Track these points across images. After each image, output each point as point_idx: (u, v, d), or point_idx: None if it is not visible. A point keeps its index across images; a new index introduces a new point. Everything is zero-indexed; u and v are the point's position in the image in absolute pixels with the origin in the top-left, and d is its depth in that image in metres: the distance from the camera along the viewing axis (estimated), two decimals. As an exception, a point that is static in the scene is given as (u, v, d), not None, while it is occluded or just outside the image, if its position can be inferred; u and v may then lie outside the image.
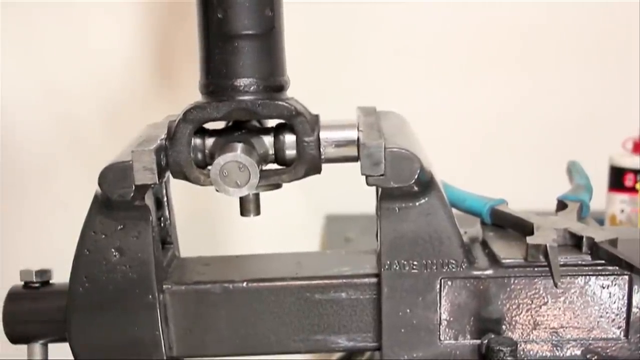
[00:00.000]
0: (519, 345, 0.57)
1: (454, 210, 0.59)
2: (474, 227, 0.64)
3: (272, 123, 0.60)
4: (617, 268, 0.56)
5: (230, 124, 0.59)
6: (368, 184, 0.56)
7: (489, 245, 0.60)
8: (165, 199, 0.64)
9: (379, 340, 0.59)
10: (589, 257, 0.57)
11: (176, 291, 0.59)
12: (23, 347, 0.62)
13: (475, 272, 0.57)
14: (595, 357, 0.59)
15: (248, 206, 0.60)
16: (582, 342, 0.59)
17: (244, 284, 0.59)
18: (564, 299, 0.58)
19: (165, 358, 0.59)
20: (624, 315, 0.58)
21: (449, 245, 0.57)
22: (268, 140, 0.58)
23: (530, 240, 0.57)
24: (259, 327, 0.60)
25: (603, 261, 0.56)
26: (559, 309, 0.58)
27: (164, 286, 0.59)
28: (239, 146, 0.55)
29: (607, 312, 0.58)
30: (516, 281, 0.58)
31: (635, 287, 0.58)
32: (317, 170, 0.57)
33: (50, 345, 0.62)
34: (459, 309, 0.58)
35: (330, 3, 1.27)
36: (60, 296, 0.58)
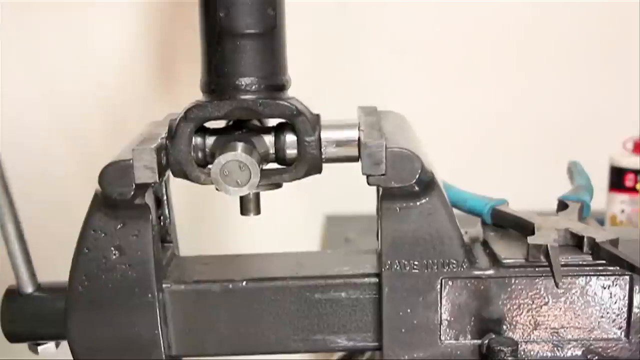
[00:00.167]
0: (519, 346, 0.57)
1: (454, 210, 0.59)
2: (474, 227, 0.64)
3: (272, 122, 0.60)
4: (618, 268, 0.56)
5: (231, 123, 0.59)
6: (369, 183, 0.56)
7: (489, 245, 0.60)
8: (165, 197, 0.64)
9: (379, 340, 0.59)
10: (590, 258, 0.57)
11: (175, 290, 0.59)
12: (24, 347, 0.62)
13: (476, 272, 0.57)
14: (596, 357, 0.58)
15: (248, 205, 0.60)
16: (582, 342, 0.59)
17: (244, 283, 0.59)
18: (565, 299, 0.58)
19: (164, 357, 0.58)
20: (625, 316, 0.58)
21: (450, 245, 0.57)
22: (269, 139, 0.58)
23: (531, 240, 0.57)
24: (259, 327, 0.60)
25: (604, 261, 0.56)
26: (560, 309, 0.58)
27: (164, 285, 0.59)
28: (240, 145, 0.55)
29: (608, 313, 0.58)
30: (517, 281, 0.58)
31: (636, 288, 0.58)
32: (318, 170, 0.57)
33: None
34: (460, 309, 0.58)
35: (330, 3, 1.27)
36: (60, 295, 0.58)
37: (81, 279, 0.57)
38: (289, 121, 0.57)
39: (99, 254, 0.57)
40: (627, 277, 0.57)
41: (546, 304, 0.58)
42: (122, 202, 0.55)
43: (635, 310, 0.58)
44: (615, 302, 0.58)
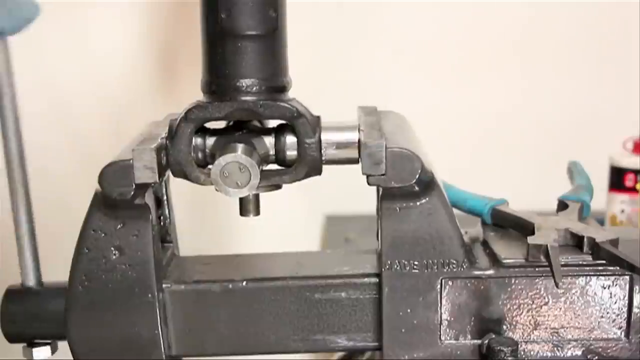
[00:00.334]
0: (519, 346, 0.57)
1: (454, 210, 0.59)
2: (474, 227, 0.64)
3: (273, 123, 0.60)
4: (618, 268, 0.56)
5: (231, 123, 0.59)
6: (369, 183, 0.56)
7: (489, 245, 0.60)
8: (165, 197, 0.64)
9: (379, 340, 0.59)
10: (590, 258, 0.57)
11: (175, 290, 0.59)
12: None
13: (476, 272, 0.57)
14: (596, 357, 0.58)
15: (248, 206, 0.60)
16: (582, 342, 0.59)
17: (244, 283, 0.59)
18: (565, 299, 0.58)
19: (164, 357, 0.58)
20: (625, 316, 0.58)
21: (450, 245, 0.57)
22: (269, 140, 0.58)
23: (531, 240, 0.57)
24: (259, 327, 0.60)
25: (604, 261, 0.56)
26: (560, 309, 0.58)
27: (164, 285, 0.59)
28: (240, 147, 0.55)
29: (607, 313, 0.58)
30: (517, 281, 0.58)
31: (636, 288, 0.58)
32: (318, 171, 0.57)
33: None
34: (460, 309, 0.58)
35: (330, 3, 1.27)
36: (59, 295, 0.58)
37: (81, 279, 0.57)
38: (289, 123, 0.57)
39: (99, 254, 0.57)
40: (627, 277, 0.57)
41: (546, 304, 0.58)
42: (122, 202, 0.55)
43: (635, 310, 0.58)
44: (615, 302, 0.58)
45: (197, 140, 0.57)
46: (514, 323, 0.59)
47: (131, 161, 0.54)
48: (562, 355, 0.59)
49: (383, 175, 0.55)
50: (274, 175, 0.57)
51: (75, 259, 0.57)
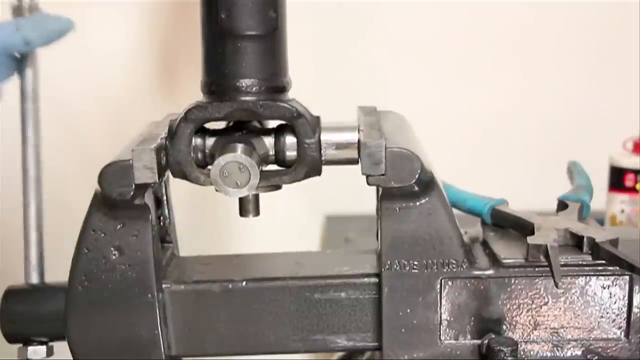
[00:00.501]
0: (519, 346, 0.57)
1: (454, 210, 0.59)
2: (474, 227, 0.64)
3: (272, 124, 0.60)
4: (617, 268, 0.56)
5: (231, 124, 0.59)
6: (369, 183, 0.56)
7: (489, 245, 0.60)
8: (165, 198, 0.64)
9: (379, 340, 0.59)
10: (589, 257, 0.57)
11: (175, 290, 0.59)
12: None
13: (476, 272, 0.57)
14: (596, 357, 0.58)
15: (247, 207, 0.60)
16: (582, 342, 0.59)
17: (243, 283, 0.59)
18: (565, 299, 0.58)
19: (164, 357, 0.58)
20: (625, 316, 0.58)
21: (450, 245, 0.57)
22: (269, 141, 0.58)
23: (530, 240, 0.57)
24: (258, 327, 0.60)
25: (604, 261, 0.56)
26: (560, 309, 0.58)
27: (163, 285, 0.59)
28: (240, 146, 0.55)
29: (607, 313, 0.58)
30: (517, 281, 0.58)
31: (636, 288, 0.58)
32: (318, 172, 0.57)
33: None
34: (460, 309, 0.58)
35: (330, 3, 1.27)
36: (59, 295, 0.58)
37: (81, 279, 0.57)
38: (289, 123, 0.57)
39: (99, 254, 0.57)
40: (627, 277, 0.57)
41: (546, 304, 0.58)
42: (121, 202, 0.55)
43: (635, 310, 0.58)
44: (615, 302, 0.58)
45: (197, 141, 0.57)
46: (513, 323, 0.59)
47: (131, 161, 0.54)
48: (562, 355, 0.59)
49: (383, 175, 0.55)
50: (274, 176, 0.57)
51: (75, 259, 0.57)
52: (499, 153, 1.35)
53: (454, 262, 0.57)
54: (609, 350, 0.58)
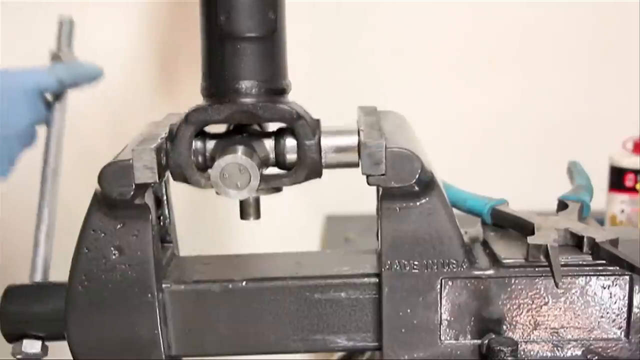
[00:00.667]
0: (519, 346, 0.57)
1: (454, 210, 0.59)
2: (474, 227, 0.64)
3: (273, 127, 0.60)
4: (617, 268, 0.56)
5: (231, 127, 0.59)
6: (369, 183, 0.56)
7: (489, 245, 0.60)
8: (165, 197, 0.64)
9: (379, 340, 0.59)
10: (589, 257, 0.57)
11: (175, 290, 0.59)
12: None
13: (476, 272, 0.57)
14: (596, 357, 0.58)
15: (248, 210, 0.60)
16: (582, 342, 0.59)
17: (244, 283, 0.59)
18: (565, 299, 0.58)
19: (164, 357, 0.58)
20: (625, 316, 0.58)
21: (450, 245, 0.57)
22: (269, 143, 0.58)
23: (531, 240, 0.57)
24: (258, 327, 0.60)
25: (604, 261, 0.56)
26: (560, 309, 0.58)
27: (163, 285, 0.59)
28: (240, 148, 0.55)
29: (607, 313, 0.58)
30: (517, 281, 0.58)
31: (636, 288, 0.57)
32: (318, 174, 0.57)
33: (50, 345, 0.61)
34: (460, 309, 0.58)
35: (330, 4, 1.27)
36: (59, 295, 0.58)
37: (81, 278, 0.57)
38: (289, 125, 0.56)
39: (99, 254, 0.57)
40: (627, 277, 0.57)
41: (546, 304, 0.58)
42: (121, 202, 0.55)
43: (635, 310, 0.58)
44: (615, 302, 0.58)
45: (197, 144, 0.57)
46: (513, 323, 0.59)
47: (131, 161, 0.54)
48: (562, 355, 0.59)
49: (383, 175, 0.55)
50: (274, 178, 0.57)
51: (75, 258, 0.57)
52: (499, 153, 1.35)
53: (454, 262, 0.57)
54: (609, 350, 0.58)
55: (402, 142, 0.57)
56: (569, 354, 0.59)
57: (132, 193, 0.55)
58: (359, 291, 0.59)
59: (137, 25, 1.23)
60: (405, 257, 0.57)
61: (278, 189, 0.59)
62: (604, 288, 0.58)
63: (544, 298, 0.58)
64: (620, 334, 0.58)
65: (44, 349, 0.60)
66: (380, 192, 0.57)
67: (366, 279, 0.59)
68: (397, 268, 0.57)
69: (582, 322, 0.58)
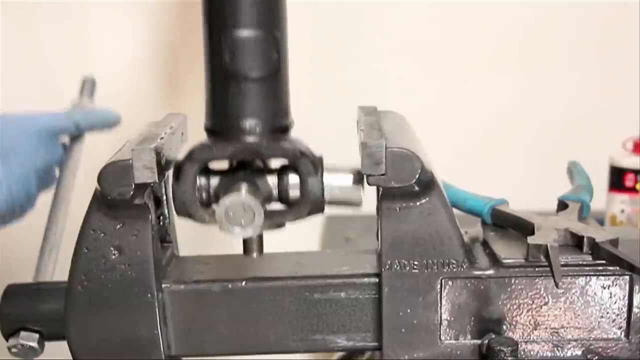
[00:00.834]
0: (519, 346, 0.57)
1: (454, 210, 0.59)
2: (474, 227, 0.64)
3: (275, 163, 0.60)
4: (618, 268, 0.56)
5: (234, 163, 0.60)
6: (369, 183, 0.56)
7: (489, 245, 0.60)
8: (164, 197, 0.64)
9: (378, 340, 0.59)
10: (590, 257, 0.57)
11: (175, 290, 0.59)
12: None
13: (476, 272, 0.57)
14: (596, 357, 0.58)
15: (251, 246, 0.60)
16: (582, 342, 0.59)
17: (244, 283, 0.59)
18: (565, 299, 0.58)
19: (163, 357, 0.58)
20: (625, 316, 0.58)
21: (450, 245, 0.57)
22: (272, 180, 0.58)
23: (531, 240, 0.57)
24: (258, 327, 0.60)
25: (604, 261, 0.56)
26: (560, 309, 0.58)
27: (163, 285, 0.59)
28: (244, 186, 0.55)
29: (607, 313, 0.58)
30: (517, 281, 0.58)
31: (636, 288, 0.57)
32: (320, 210, 0.58)
33: (49, 345, 0.61)
34: (460, 309, 0.58)
35: (330, 4, 1.27)
36: (59, 294, 0.58)
37: (81, 278, 0.57)
38: (292, 163, 0.57)
39: (99, 254, 0.57)
40: (627, 277, 0.57)
41: (546, 304, 0.58)
42: (121, 202, 0.55)
43: (635, 310, 0.58)
44: (615, 302, 0.58)
45: (201, 180, 0.57)
46: (514, 323, 0.59)
47: (130, 161, 0.54)
48: (562, 355, 0.59)
49: (383, 175, 0.55)
50: (277, 215, 0.58)
51: (74, 258, 0.57)
52: (499, 153, 1.35)
53: (454, 262, 0.57)
54: (609, 350, 0.58)
55: (402, 142, 0.57)
56: (569, 354, 0.59)
57: (131, 193, 0.55)
58: (358, 291, 0.59)
59: (138, 25, 1.23)
60: (405, 257, 0.57)
61: (281, 225, 0.59)
62: (604, 288, 0.58)
63: (544, 298, 0.58)
64: (620, 334, 0.58)
65: (41, 344, 0.60)
66: (380, 192, 0.57)
67: (366, 279, 0.59)
68: (397, 268, 0.57)
69: (582, 322, 0.58)
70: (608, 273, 0.57)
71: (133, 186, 0.55)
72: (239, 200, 0.54)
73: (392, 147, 0.55)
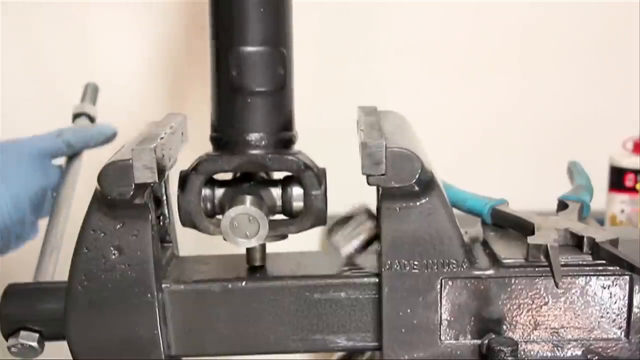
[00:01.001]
0: (519, 346, 0.57)
1: (454, 210, 0.59)
2: (474, 227, 0.64)
3: (279, 174, 0.61)
4: (617, 268, 0.56)
5: (239, 175, 0.60)
6: (369, 183, 0.56)
7: (489, 245, 0.60)
8: (164, 197, 0.64)
9: (379, 340, 0.59)
10: (589, 257, 0.57)
11: (175, 290, 0.59)
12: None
13: (476, 272, 0.57)
14: (596, 357, 0.58)
15: (255, 255, 0.61)
16: (582, 342, 0.59)
17: (243, 283, 0.59)
18: (565, 299, 0.58)
19: (163, 357, 0.58)
20: (625, 316, 0.58)
21: (450, 245, 0.57)
22: (276, 192, 0.60)
23: (531, 240, 0.57)
24: (258, 327, 0.60)
25: (604, 261, 0.56)
26: (560, 309, 0.58)
27: (163, 285, 0.59)
28: (249, 198, 0.57)
29: (607, 313, 0.58)
30: (517, 281, 0.58)
31: (636, 288, 0.58)
32: (323, 221, 0.59)
33: (49, 345, 0.61)
34: (460, 309, 0.58)
35: (330, 4, 1.27)
36: (59, 294, 0.58)
37: (80, 278, 0.57)
38: (296, 175, 0.58)
39: (99, 254, 0.57)
40: (627, 277, 0.57)
41: (546, 304, 0.58)
42: (121, 201, 0.55)
43: (635, 310, 0.58)
44: (615, 302, 0.58)
45: (206, 191, 0.59)
46: (514, 323, 0.58)
47: (130, 161, 0.54)
48: (562, 355, 0.59)
49: (383, 175, 0.55)
50: (281, 226, 0.59)
51: (74, 258, 0.57)
52: (499, 153, 1.35)
53: (454, 262, 0.57)
54: (609, 350, 0.58)
55: (402, 142, 0.57)
56: (569, 354, 0.59)
57: (131, 193, 0.55)
58: (358, 291, 0.59)
59: (138, 25, 1.22)
60: (405, 257, 0.57)
61: (284, 236, 0.60)
62: (604, 288, 0.58)
63: (544, 298, 0.58)
64: (620, 334, 0.58)
65: (41, 344, 0.60)
66: (380, 192, 0.57)
67: (366, 279, 0.59)
68: (397, 268, 0.57)
69: (582, 322, 0.58)
70: (608, 273, 0.57)
71: (133, 186, 0.55)
72: (244, 211, 0.55)
73: (392, 147, 0.55)
